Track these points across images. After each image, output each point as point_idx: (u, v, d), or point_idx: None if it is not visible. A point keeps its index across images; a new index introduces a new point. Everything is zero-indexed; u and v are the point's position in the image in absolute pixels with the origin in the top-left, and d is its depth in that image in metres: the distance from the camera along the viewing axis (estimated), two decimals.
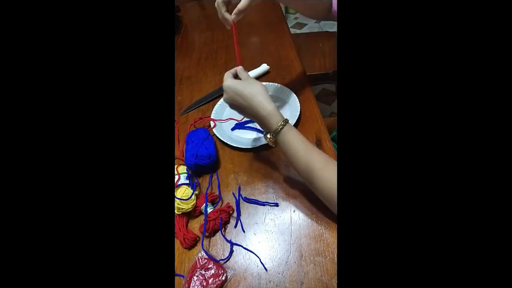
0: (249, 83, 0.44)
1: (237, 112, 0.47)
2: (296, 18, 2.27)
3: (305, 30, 2.14)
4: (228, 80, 0.45)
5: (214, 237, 0.45)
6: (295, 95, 0.61)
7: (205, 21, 1.09)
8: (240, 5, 0.46)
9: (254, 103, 0.42)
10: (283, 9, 1.15)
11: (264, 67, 0.73)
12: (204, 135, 0.54)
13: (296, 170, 0.43)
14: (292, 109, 0.60)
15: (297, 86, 0.65)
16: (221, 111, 0.64)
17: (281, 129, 0.41)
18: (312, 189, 0.42)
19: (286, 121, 0.42)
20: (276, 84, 0.66)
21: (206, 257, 0.41)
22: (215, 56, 0.85)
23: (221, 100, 0.65)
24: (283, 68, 0.73)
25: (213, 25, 1.01)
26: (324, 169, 0.39)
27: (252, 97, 0.42)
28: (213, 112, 0.63)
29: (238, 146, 0.55)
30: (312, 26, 2.16)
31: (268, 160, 0.53)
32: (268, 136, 0.42)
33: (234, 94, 0.44)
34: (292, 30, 1.22)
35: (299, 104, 0.59)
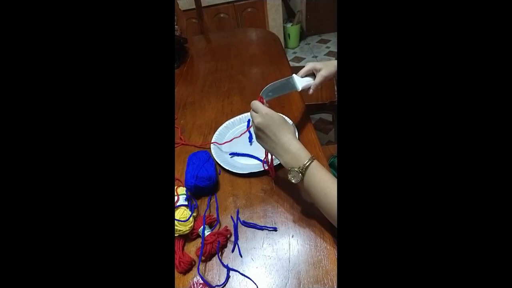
0: (281, 120, 0.46)
1: (261, 144, 0.48)
2: (294, 53, 2.41)
3: (303, 63, 2.26)
4: (265, 109, 0.47)
5: (211, 261, 0.44)
6: (295, 126, 0.63)
7: (210, 52, 1.15)
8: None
9: (284, 138, 0.45)
10: (282, 43, 1.23)
11: None
12: (205, 157, 0.55)
13: (322, 207, 0.42)
14: None
15: (296, 115, 0.68)
16: (222, 136, 0.66)
17: (310, 164, 0.42)
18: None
19: (314, 158, 0.43)
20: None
21: (202, 282, 0.40)
22: (219, 85, 0.89)
23: (223, 125, 0.67)
24: (283, 98, 0.76)
25: (217, 56, 1.08)
26: None
27: (282, 134, 0.45)
28: (214, 136, 0.65)
29: (236, 171, 0.56)
30: (309, 60, 2.28)
31: (267, 184, 0.54)
32: (296, 170, 0.43)
33: (270, 123, 0.45)
34: (291, 63, 1.29)
35: (296, 133, 0.61)
